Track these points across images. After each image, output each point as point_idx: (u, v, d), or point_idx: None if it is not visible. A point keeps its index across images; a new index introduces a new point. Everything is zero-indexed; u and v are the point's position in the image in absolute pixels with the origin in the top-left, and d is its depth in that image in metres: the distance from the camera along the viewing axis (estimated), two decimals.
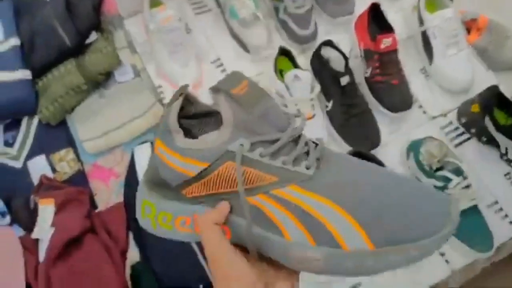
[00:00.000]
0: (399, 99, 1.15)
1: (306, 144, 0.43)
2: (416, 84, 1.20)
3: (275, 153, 0.41)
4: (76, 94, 1.22)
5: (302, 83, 1.08)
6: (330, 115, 1.15)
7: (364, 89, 1.17)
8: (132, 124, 1.20)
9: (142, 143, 1.20)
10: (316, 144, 0.44)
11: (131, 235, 1.17)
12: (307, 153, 0.42)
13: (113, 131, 1.20)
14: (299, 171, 0.41)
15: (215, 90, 0.42)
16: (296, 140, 0.43)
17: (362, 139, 1.12)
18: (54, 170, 1.21)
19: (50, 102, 1.21)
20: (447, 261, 1.03)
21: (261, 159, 0.40)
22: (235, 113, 0.40)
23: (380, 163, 1.04)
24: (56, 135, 1.24)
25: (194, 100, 0.49)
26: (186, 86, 0.47)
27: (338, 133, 1.14)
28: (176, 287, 1.11)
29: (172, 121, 0.43)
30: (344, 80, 1.10)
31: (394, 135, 1.16)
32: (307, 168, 0.41)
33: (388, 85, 1.15)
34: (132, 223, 1.17)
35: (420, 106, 1.19)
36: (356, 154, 1.07)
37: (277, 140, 0.41)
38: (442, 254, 1.04)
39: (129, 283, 1.13)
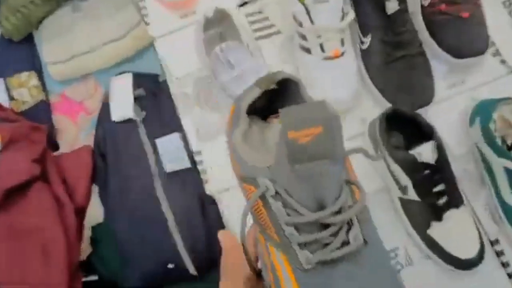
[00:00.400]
0: (467, 40, 0.82)
1: (336, 235, 0.34)
2: (495, 21, 0.87)
3: (290, 222, 0.35)
4: (43, 3, 0.97)
5: (329, 6, 0.77)
6: (366, 55, 0.83)
7: (419, 22, 0.84)
8: (109, 47, 0.97)
9: (120, 73, 0.97)
10: (348, 243, 0.35)
11: (96, 190, 0.92)
12: (327, 244, 0.34)
13: (85, 55, 0.98)
14: (298, 254, 0.35)
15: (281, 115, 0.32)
16: (325, 226, 0.34)
17: (407, 93, 0.80)
18: (12, 97, 0.96)
19: (12, 12, 0.98)
20: (510, 276, 0.77)
21: (276, 213, 0.35)
22: (279, 154, 0.33)
23: (428, 128, 0.72)
24: (18, 54, 1.02)
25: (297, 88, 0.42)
26: (277, 74, 0.42)
27: (373, 81, 0.83)
28: (141, 263, 0.86)
29: (243, 109, 0.41)
30: (392, 7, 0.78)
31: (454, 90, 0.85)
32: (306, 261, 0.35)
33: (454, 18, 0.81)
34: (99, 174, 0.93)
35: (497, 53, 0.88)
36: (396, 114, 0.75)
37: (301, 214, 0.34)
38: (505, 265, 0.74)
39: (88, 247, 0.90)
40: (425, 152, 0.70)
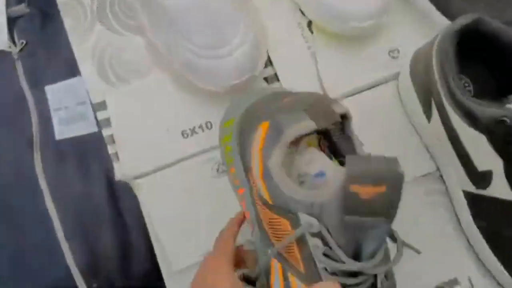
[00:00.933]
0: None
1: (365, 281, 0.33)
2: None
3: (327, 261, 0.33)
4: None
5: None
6: None
7: None
8: None
9: None
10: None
11: None
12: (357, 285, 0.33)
13: None
14: None
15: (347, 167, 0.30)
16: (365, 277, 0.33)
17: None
18: None
19: None
20: None
21: (312, 250, 0.34)
22: (334, 200, 0.31)
23: None
24: None
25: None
26: (337, 107, 0.37)
27: None
28: None
29: (287, 138, 0.35)
30: None
31: None
32: None
33: None
34: None
35: None
36: (475, 32, 0.39)
37: (340, 261, 0.33)
38: None
39: None
40: None
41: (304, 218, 0.33)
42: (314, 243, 0.33)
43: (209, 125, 0.48)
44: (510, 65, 0.39)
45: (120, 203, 0.52)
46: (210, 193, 0.46)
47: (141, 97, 0.48)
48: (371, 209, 0.30)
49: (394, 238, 0.35)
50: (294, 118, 0.36)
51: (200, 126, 0.48)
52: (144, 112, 0.48)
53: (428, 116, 0.42)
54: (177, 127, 0.48)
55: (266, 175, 0.36)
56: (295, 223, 0.34)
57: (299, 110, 0.36)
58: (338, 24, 0.46)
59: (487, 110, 0.36)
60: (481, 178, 0.39)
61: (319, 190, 0.33)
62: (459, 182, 0.42)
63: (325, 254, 0.33)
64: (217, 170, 0.47)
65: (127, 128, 0.48)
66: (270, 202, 0.36)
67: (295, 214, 0.34)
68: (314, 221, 0.33)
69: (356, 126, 0.47)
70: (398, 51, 0.48)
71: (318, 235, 0.33)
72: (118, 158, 0.47)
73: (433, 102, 0.41)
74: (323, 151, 0.40)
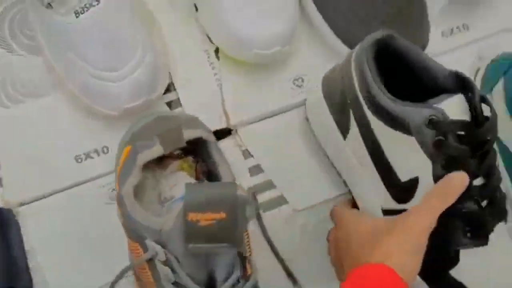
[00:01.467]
0: None
1: None
2: None
3: None
4: None
5: None
6: None
7: None
8: None
9: None
10: None
11: None
12: None
13: None
14: None
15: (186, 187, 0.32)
16: None
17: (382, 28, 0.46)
18: None
19: None
20: None
21: (162, 277, 0.34)
22: (176, 228, 0.32)
23: (448, 78, 0.39)
24: None
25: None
26: (188, 132, 0.37)
27: (320, 9, 0.49)
28: None
29: (139, 163, 0.36)
30: None
31: (455, 38, 0.53)
32: None
33: None
34: None
35: None
36: (384, 48, 0.40)
37: None
38: None
39: None
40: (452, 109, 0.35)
41: (150, 245, 0.33)
42: (164, 272, 0.33)
43: (105, 149, 0.45)
44: (420, 79, 0.40)
45: (8, 234, 0.45)
46: (103, 219, 0.43)
47: (33, 120, 0.46)
48: (213, 236, 0.30)
49: (243, 257, 0.35)
50: (146, 144, 0.36)
51: (96, 151, 0.45)
52: (35, 135, 0.46)
53: (344, 133, 0.42)
54: (70, 152, 0.45)
55: (120, 200, 0.36)
56: (145, 249, 0.34)
57: (154, 135, 0.37)
58: (242, 51, 0.46)
59: (415, 110, 0.36)
60: (404, 190, 0.38)
61: (166, 217, 0.33)
62: (378, 200, 0.40)
63: (175, 283, 0.33)
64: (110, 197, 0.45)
65: (14, 152, 0.45)
66: (125, 226, 0.36)
67: (142, 240, 0.34)
68: (159, 248, 0.33)
69: (261, 153, 0.47)
70: (302, 80, 0.50)
71: (168, 263, 0.33)
72: (1, 184, 0.44)
73: (351, 116, 0.40)
74: (199, 174, 0.41)
